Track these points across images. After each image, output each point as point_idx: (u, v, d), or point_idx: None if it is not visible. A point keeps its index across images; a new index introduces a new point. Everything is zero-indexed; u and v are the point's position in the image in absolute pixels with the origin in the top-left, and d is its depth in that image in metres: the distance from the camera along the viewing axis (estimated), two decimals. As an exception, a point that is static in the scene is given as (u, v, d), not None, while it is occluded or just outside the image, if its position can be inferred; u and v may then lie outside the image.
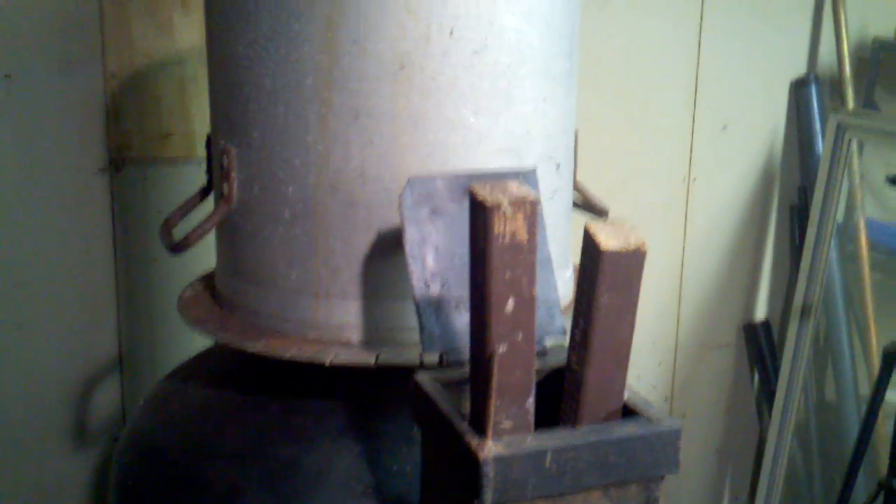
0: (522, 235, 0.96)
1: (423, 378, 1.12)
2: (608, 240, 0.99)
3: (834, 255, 2.79)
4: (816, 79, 2.83)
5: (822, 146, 2.79)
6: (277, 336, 1.40)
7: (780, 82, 2.88)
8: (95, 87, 2.14)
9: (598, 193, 1.69)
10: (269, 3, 1.33)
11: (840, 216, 2.81)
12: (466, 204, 1.01)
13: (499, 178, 1.17)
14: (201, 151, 1.61)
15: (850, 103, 2.80)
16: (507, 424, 1.00)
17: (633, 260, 0.99)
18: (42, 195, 2.13)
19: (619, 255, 0.98)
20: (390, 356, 1.33)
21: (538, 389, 1.03)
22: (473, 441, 0.98)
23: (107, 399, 2.28)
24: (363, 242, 1.34)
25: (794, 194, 2.92)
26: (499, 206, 0.95)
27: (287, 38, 1.32)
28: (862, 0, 2.85)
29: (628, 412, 1.05)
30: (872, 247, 2.80)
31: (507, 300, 0.97)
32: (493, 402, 0.98)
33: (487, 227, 0.95)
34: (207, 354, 1.63)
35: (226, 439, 1.39)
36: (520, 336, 0.99)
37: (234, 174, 1.42)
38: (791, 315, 2.81)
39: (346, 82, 1.31)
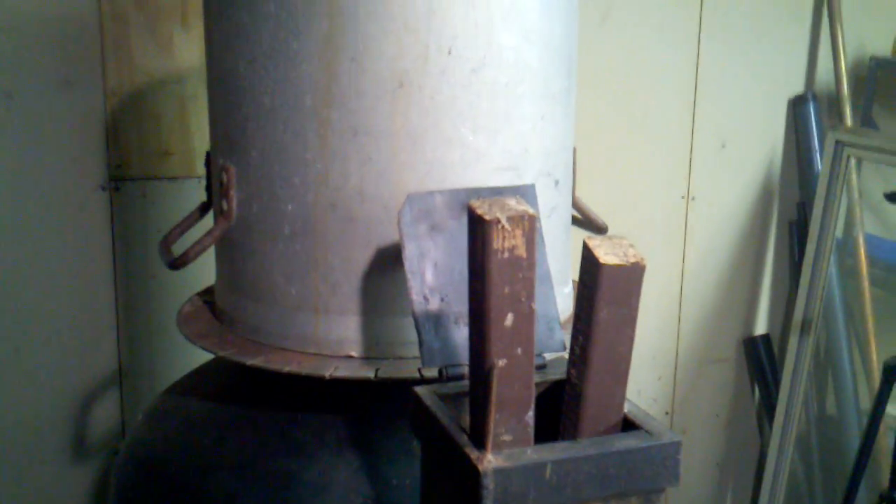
0: (521, 251, 0.97)
1: (422, 391, 1.12)
2: (607, 254, 0.99)
3: (833, 270, 2.79)
4: (814, 97, 2.84)
5: (820, 163, 2.80)
6: (277, 351, 1.40)
7: (779, 100, 2.88)
8: (96, 105, 2.15)
9: (597, 211, 1.69)
10: (268, 21, 1.33)
11: (839, 232, 2.82)
12: (465, 220, 1.02)
13: (497, 194, 1.18)
14: (201, 169, 1.61)
15: (848, 121, 2.81)
16: (506, 437, 1.00)
17: (632, 274, 1.00)
18: (42, 212, 2.14)
19: (617, 270, 0.99)
20: (390, 370, 1.33)
21: (538, 403, 1.04)
22: (473, 454, 0.98)
23: (106, 413, 2.28)
24: (362, 258, 1.35)
25: (794, 210, 2.93)
26: (498, 222, 0.95)
27: (286, 56, 1.33)
28: (859, 18, 2.86)
29: (629, 425, 1.06)
30: (872, 262, 2.80)
31: (506, 315, 0.98)
32: (493, 416, 0.98)
33: (486, 242, 0.96)
34: (206, 369, 1.63)
35: (225, 452, 1.39)
36: (519, 350, 0.99)
37: (233, 192, 1.43)
38: (791, 329, 2.81)
39: (344, 100, 1.31)
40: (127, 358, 2.27)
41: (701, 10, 2.70)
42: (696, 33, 2.72)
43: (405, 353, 1.36)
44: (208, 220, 1.56)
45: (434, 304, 1.23)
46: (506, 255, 0.96)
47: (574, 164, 1.58)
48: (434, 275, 1.24)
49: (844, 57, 2.79)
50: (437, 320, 1.22)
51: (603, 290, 0.99)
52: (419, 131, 1.32)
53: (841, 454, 2.84)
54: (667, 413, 2.92)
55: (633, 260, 0.99)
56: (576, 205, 1.63)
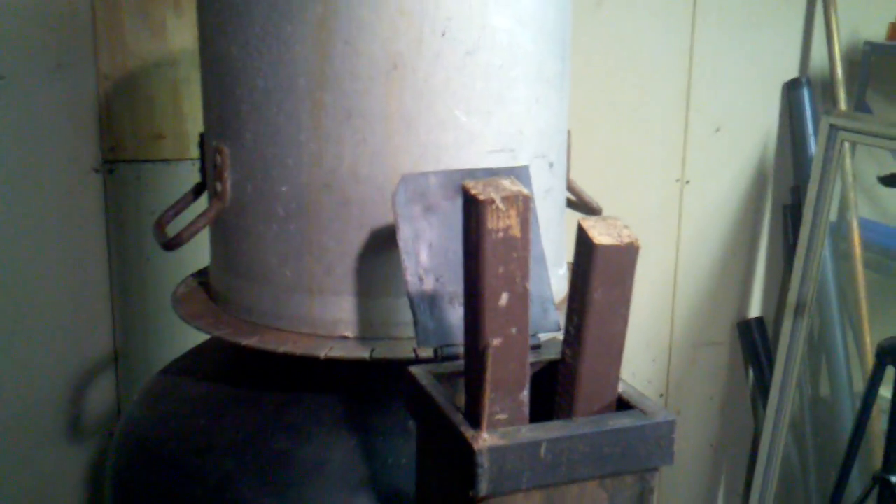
0: (516, 230, 0.97)
1: (417, 371, 1.12)
2: (601, 235, 0.99)
3: (827, 253, 2.80)
4: (809, 81, 2.85)
5: (814, 147, 2.80)
6: (272, 331, 1.41)
7: (773, 84, 2.88)
8: (88, 89, 2.15)
9: (592, 194, 1.69)
10: (261, 4, 1.33)
11: (833, 215, 2.82)
12: (459, 201, 1.02)
13: (492, 175, 1.18)
14: (194, 152, 1.62)
15: (843, 105, 2.81)
16: (501, 416, 1.00)
17: (627, 255, 1.00)
18: (36, 195, 2.14)
19: (612, 250, 0.99)
20: (385, 350, 1.34)
21: (533, 384, 1.04)
22: (468, 432, 0.98)
23: (102, 395, 2.29)
24: (356, 240, 1.35)
25: (787, 194, 2.93)
26: (492, 202, 0.96)
27: (279, 38, 1.33)
28: (854, 3, 2.86)
29: (623, 405, 1.06)
30: (865, 246, 2.81)
31: (500, 294, 0.98)
32: (488, 394, 0.98)
33: (481, 222, 0.96)
34: (201, 350, 1.64)
35: (220, 432, 1.40)
36: (514, 329, 0.99)
37: (227, 173, 1.43)
38: (785, 312, 2.82)
39: (338, 83, 1.31)
40: (122, 340, 2.27)
41: (695, -7, 2.70)
42: (691, 17, 2.71)
43: (400, 333, 1.36)
44: (202, 202, 1.55)
45: (429, 285, 1.23)
46: (500, 234, 0.96)
47: (569, 146, 1.58)
48: (429, 255, 1.25)
49: (839, 41, 2.79)
50: (431, 300, 1.23)
51: (597, 270, 0.99)
52: (413, 113, 1.32)
53: (834, 436, 2.85)
54: (661, 395, 2.93)
55: (627, 240, 1.00)
56: (570, 187, 1.64)
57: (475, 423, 0.99)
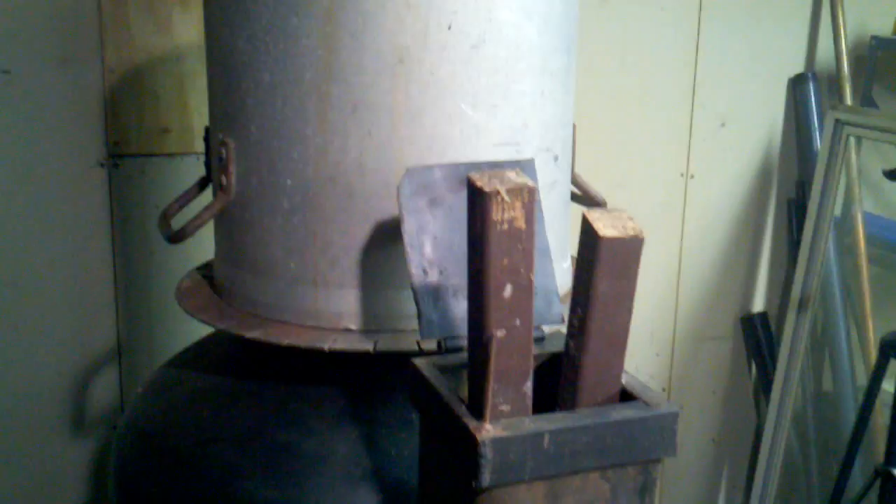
0: (520, 222, 0.97)
1: (421, 363, 1.13)
2: (606, 227, 1.00)
3: (832, 248, 2.80)
4: (814, 76, 2.84)
5: (819, 142, 2.80)
6: (276, 324, 1.41)
7: (779, 79, 2.88)
8: (94, 83, 2.15)
9: (597, 188, 1.69)
10: (268, -3, 1.33)
11: (838, 210, 2.83)
12: (464, 194, 1.02)
13: (497, 168, 1.19)
14: (199, 146, 1.62)
15: (848, 100, 2.81)
16: (504, 408, 1.01)
17: (631, 246, 1.00)
18: (41, 189, 2.15)
19: (616, 242, 0.99)
20: (389, 343, 1.34)
21: (536, 377, 1.04)
22: (471, 423, 0.98)
23: (105, 388, 2.29)
24: (361, 232, 1.35)
25: (792, 189, 2.93)
26: (497, 193, 0.96)
27: (286, 32, 1.33)
28: (860, -2, 2.86)
29: (626, 396, 1.06)
30: (870, 240, 2.81)
31: (505, 286, 0.98)
32: (491, 386, 0.99)
33: (486, 213, 0.96)
34: (205, 342, 1.64)
35: (224, 425, 1.40)
36: (517, 321, 1.00)
37: (232, 167, 1.43)
38: (789, 307, 2.82)
39: (344, 76, 1.31)
40: (126, 333, 2.28)
41: (701, -12, 2.70)
42: (697, 12, 2.71)
43: (404, 325, 1.36)
44: (207, 196, 1.56)
45: (433, 277, 1.24)
46: (505, 226, 0.97)
47: (574, 140, 1.58)
48: (433, 248, 1.25)
49: (845, 36, 2.79)
50: (435, 293, 1.23)
51: (602, 262, 0.99)
52: (419, 106, 1.32)
53: (837, 430, 2.86)
54: (664, 389, 2.93)
55: (632, 232, 1.00)
56: (575, 181, 1.64)
57: (478, 414, 1.00)
